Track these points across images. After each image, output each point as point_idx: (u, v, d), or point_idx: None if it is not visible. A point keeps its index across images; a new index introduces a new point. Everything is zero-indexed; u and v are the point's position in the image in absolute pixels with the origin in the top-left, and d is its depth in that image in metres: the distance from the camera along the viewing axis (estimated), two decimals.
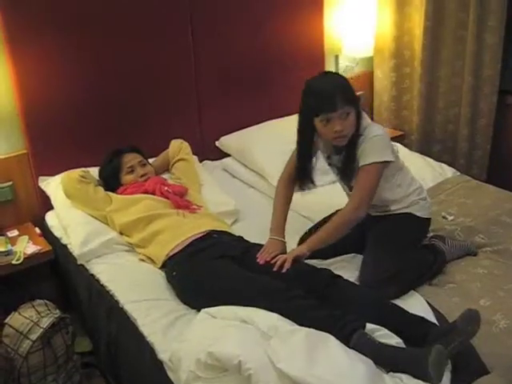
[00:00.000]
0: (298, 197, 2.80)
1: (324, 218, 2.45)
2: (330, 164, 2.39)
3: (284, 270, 2.06)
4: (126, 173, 2.60)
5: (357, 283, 2.14)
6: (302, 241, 2.36)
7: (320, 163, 2.97)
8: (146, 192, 2.52)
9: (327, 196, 2.71)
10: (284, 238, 2.29)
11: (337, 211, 2.45)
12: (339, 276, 2.06)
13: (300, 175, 2.35)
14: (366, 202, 2.16)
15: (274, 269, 2.07)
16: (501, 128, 3.47)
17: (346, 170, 2.24)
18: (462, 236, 2.46)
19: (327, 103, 2.08)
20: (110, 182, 2.61)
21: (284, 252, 2.21)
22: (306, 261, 2.18)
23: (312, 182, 2.35)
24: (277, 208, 2.38)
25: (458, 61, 3.44)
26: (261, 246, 2.28)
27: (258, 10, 3.25)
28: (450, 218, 2.63)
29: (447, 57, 3.49)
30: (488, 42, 3.25)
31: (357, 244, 2.32)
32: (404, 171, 2.34)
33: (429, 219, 2.38)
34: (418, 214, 2.32)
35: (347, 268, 2.25)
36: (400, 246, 2.23)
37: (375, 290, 2.06)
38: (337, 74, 2.24)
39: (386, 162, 2.16)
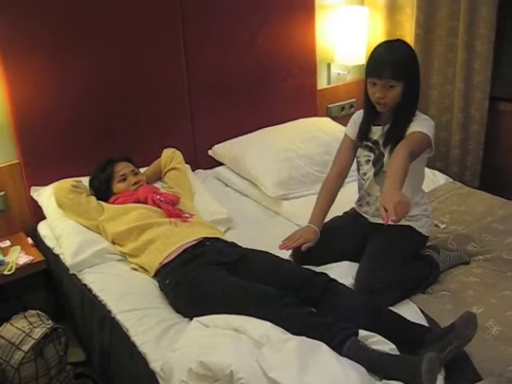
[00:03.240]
0: (291, 206, 2.83)
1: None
2: (363, 141, 2.38)
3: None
4: (118, 181, 2.60)
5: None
6: (295, 251, 2.37)
7: (309, 173, 3.01)
8: (137, 201, 2.52)
9: None
10: (319, 228, 2.35)
11: (333, 218, 2.48)
12: (335, 280, 2.06)
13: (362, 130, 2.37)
14: (410, 153, 2.10)
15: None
16: (493, 135, 3.49)
17: (388, 139, 2.26)
18: (455, 245, 2.46)
19: (376, 70, 2.19)
20: (102, 190, 2.60)
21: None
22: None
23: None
24: (319, 201, 2.44)
25: (449, 68, 3.47)
26: (255, 251, 2.29)
27: (250, 20, 3.26)
28: (443, 226, 2.63)
29: (438, 64, 3.52)
30: (478, 49, 3.28)
31: (352, 251, 2.32)
32: (421, 182, 2.40)
33: (427, 237, 2.39)
34: (420, 229, 2.33)
35: (341, 275, 2.24)
36: (396, 258, 2.24)
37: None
38: (405, 44, 2.25)
39: (430, 145, 2.23)
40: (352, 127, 2.44)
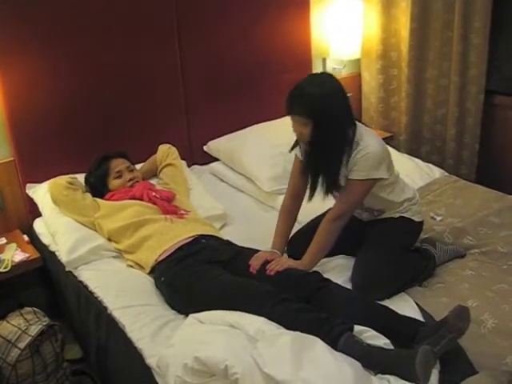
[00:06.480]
0: None
1: (313, 220, 2.45)
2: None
3: (272, 273, 2.08)
4: (113, 177, 2.60)
5: (346, 286, 2.13)
6: (290, 243, 2.37)
7: None
8: (133, 197, 2.52)
9: (316, 200, 2.71)
10: (282, 252, 2.30)
11: (328, 210, 2.46)
12: (328, 279, 2.07)
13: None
14: (347, 215, 2.21)
15: (267, 272, 2.09)
16: (489, 128, 3.49)
17: (330, 176, 2.19)
18: (451, 238, 2.47)
19: (286, 105, 2.13)
20: (98, 187, 2.60)
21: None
22: None
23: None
24: (279, 224, 2.37)
25: (445, 61, 3.46)
26: (250, 249, 2.30)
27: (244, 15, 3.25)
28: (439, 218, 2.63)
29: (434, 58, 3.51)
30: (473, 42, 3.27)
31: (347, 245, 2.32)
32: (398, 181, 2.32)
33: (421, 222, 2.38)
34: (412, 217, 2.32)
35: (337, 269, 2.25)
36: (393, 250, 2.24)
37: (364, 292, 2.06)
38: (323, 79, 2.17)
39: (376, 179, 2.15)
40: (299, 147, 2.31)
